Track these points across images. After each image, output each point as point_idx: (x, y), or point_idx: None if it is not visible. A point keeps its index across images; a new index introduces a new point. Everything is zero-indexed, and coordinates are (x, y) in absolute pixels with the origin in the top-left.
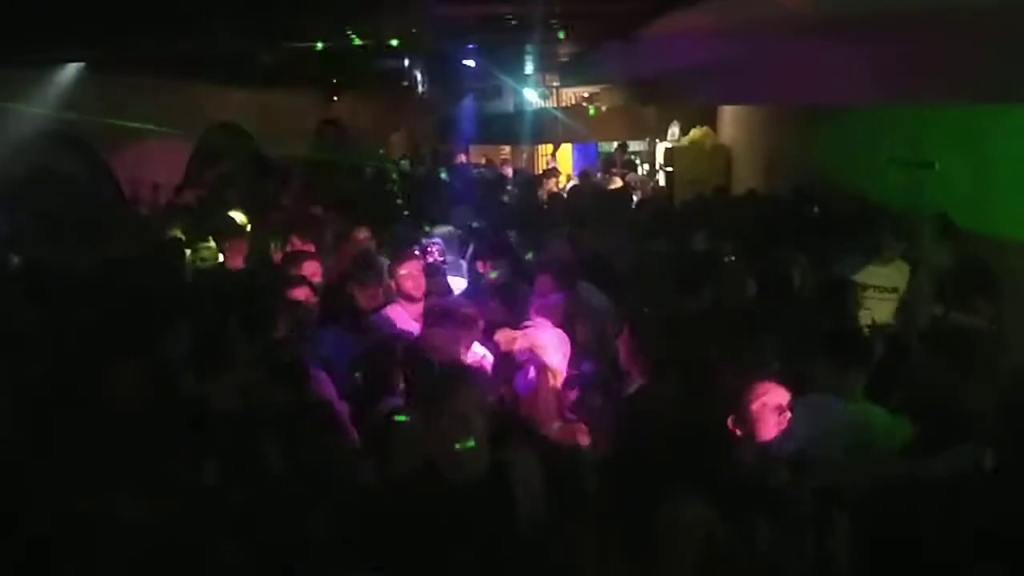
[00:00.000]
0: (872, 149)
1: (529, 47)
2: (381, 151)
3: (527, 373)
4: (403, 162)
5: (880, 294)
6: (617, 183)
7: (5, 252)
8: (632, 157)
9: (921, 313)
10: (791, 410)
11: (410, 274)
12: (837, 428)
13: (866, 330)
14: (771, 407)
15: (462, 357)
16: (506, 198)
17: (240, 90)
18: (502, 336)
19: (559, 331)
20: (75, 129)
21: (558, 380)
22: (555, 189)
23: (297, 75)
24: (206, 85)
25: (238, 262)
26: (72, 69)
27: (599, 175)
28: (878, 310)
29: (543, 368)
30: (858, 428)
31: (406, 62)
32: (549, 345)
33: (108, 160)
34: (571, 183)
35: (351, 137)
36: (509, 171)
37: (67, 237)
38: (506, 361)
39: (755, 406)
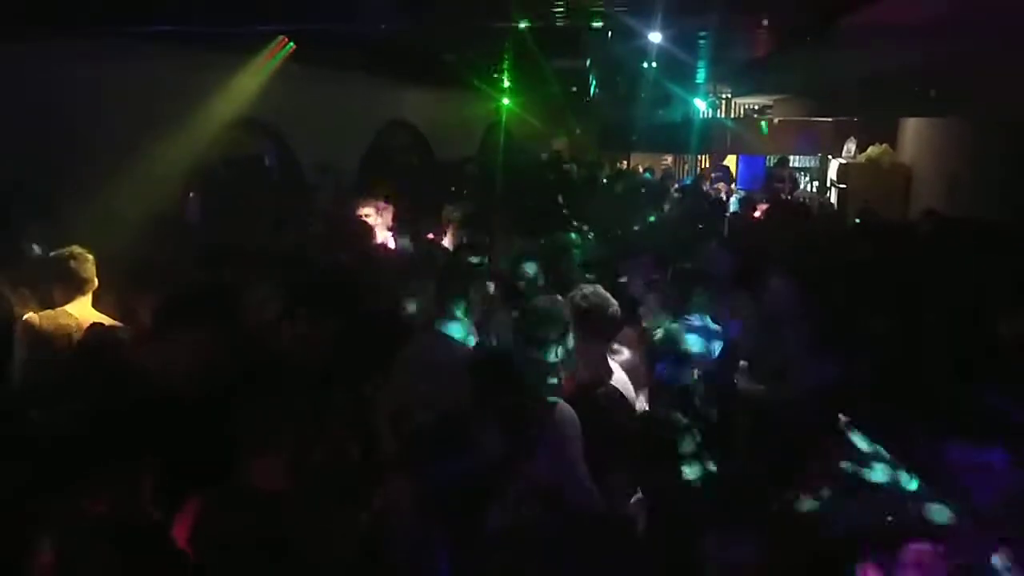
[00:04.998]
0: None
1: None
2: (544, 155)
3: None
4: (569, 166)
5: None
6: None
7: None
8: (798, 173)
9: None
10: None
11: None
12: None
13: None
14: None
15: None
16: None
17: (416, 88)
18: None
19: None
20: (262, 115)
21: None
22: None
23: (471, 73)
24: (384, 79)
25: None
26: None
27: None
28: None
29: None
30: None
31: (587, 62)
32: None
33: (293, 146)
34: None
35: None
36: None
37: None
38: None
39: None
